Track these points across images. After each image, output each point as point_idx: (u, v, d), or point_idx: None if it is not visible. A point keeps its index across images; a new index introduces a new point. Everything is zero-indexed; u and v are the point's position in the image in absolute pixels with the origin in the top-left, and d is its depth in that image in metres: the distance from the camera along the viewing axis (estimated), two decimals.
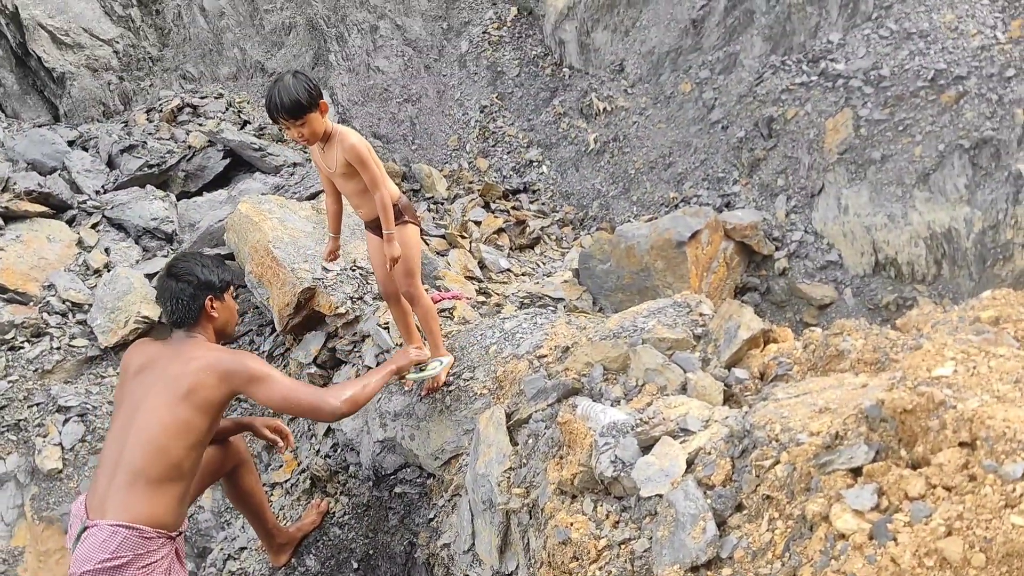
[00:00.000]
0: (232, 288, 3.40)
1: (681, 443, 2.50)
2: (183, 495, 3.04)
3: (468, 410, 3.87)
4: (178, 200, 7.26)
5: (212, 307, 3.25)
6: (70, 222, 6.68)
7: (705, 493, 2.22)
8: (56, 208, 6.72)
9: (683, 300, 3.67)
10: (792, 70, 6.91)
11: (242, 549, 4.37)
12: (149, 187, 7.31)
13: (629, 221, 7.22)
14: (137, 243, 6.65)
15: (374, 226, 3.80)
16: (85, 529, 2.88)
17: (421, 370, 3.92)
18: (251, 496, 3.85)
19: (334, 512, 4.31)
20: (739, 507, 2.15)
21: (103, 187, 7.39)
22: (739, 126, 7.08)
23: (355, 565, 4.08)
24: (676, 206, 7.08)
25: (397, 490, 4.18)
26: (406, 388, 4.25)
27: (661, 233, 5.90)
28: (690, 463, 2.39)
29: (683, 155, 7.45)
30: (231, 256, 6.12)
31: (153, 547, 2.88)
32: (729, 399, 2.90)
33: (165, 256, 6.38)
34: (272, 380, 3.12)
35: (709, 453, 2.34)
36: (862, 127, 6.27)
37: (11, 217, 6.35)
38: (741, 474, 2.20)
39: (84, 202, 6.91)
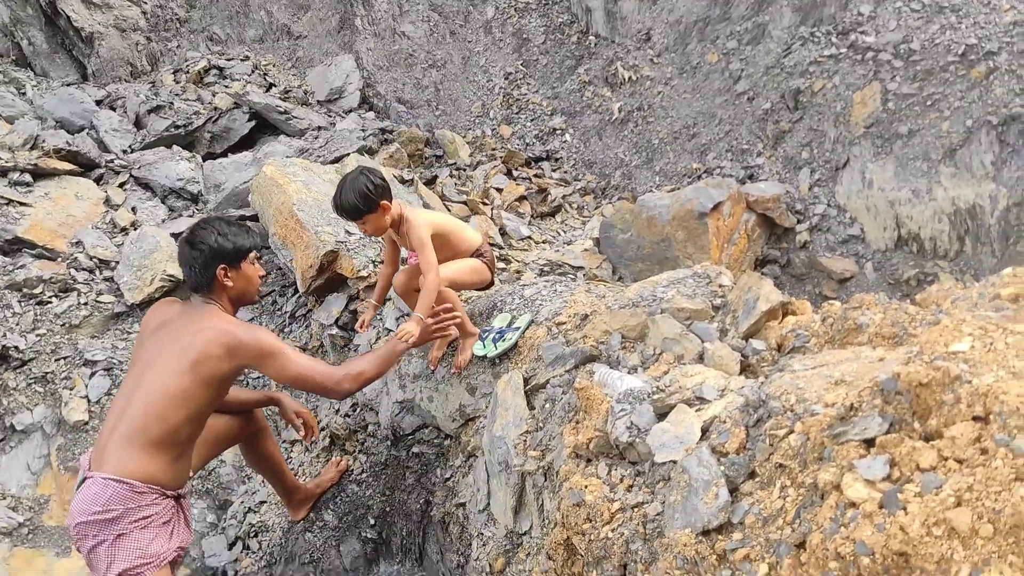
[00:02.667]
0: (253, 254, 3.27)
1: (696, 411, 2.54)
2: (179, 457, 3.02)
3: (486, 374, 3.92)
4: (203, 161, 7.32)
5: (226, 276, 3.16)
6: (98, 180, 6.75)
7: (719, 460, 2.26)
8: (84, 166, 6.79)
9: (703, 271, 3.68)
10: (821, 42, 6.82)
11: (262, 503, 4.47)
12: (175, 147, 7.37)
13: (651, 191, 7.20)
14: (163, 203, 6.73)
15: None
16: (84, 480, 2.93)
17: (485, 342, 3.85)
18: (269, 459, 3.93)
19: (352, 470, 4.39)
20: (752, 475, 2.19)
21: (130, 147, 7.47)
22: (765, 98, 7.01)
23: (372, 521, 4.17)
24: (699, 177, 7.05)
25: (415, 450, 4.25)
26: (431, 369, 4.25)
27: (683, 204, 5.89)
28: (705, 431, 2.43)
29: (707, 126, 7.40)
30: (255, 218, 6.18)
31: (145, 502, 2.88)
32: (745, 369, 2.92)
33: (191, 216, 6.45)
34: (284, 356, 3.06)
35: (724, 422, 2.38)
36: (890, 101, 6.20)
37: (40, 174, 6.43)
38: (755, 443, 2.23)
39: (111, 161, 6.98)
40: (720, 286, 3.51)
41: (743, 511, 2.09)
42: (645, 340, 3.27)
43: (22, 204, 6.02)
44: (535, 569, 2.89)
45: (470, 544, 3.57)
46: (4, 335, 5.03)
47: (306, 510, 4.22)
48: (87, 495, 2.87)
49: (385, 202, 3.56)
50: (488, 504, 3.47)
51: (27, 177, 6.29)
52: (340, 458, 4.47)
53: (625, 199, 7.41)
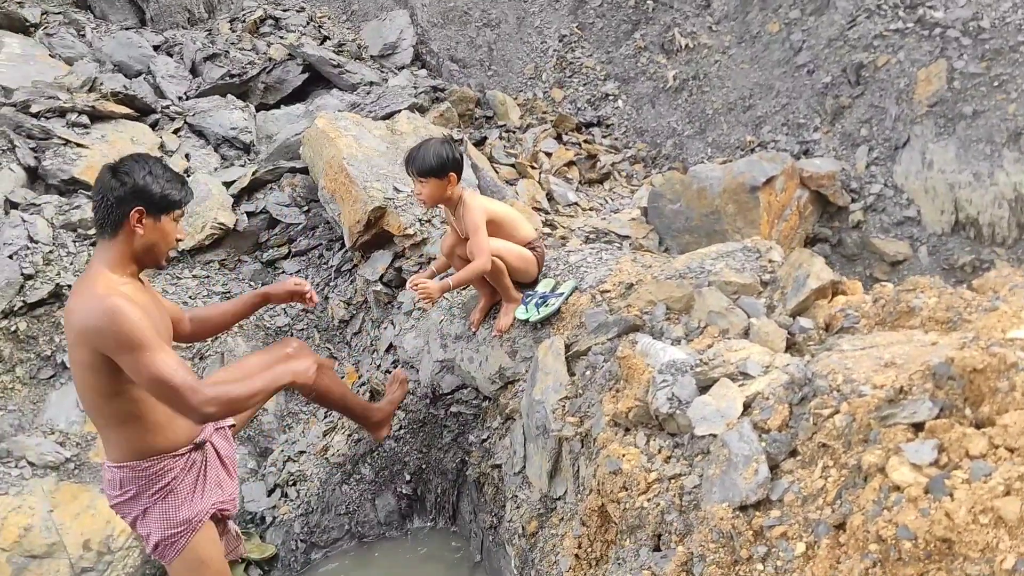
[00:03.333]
0: (178, 212, 2.79)
1: (740, 386, 2.51)
2: (146, 427, 2.76)
3: (527, 338, 3.93)
4: (256, 112, 7.36)
5: (139, 222, 2.67)
6: (153, 126, 6.83)
7: (760, 436, 2.24)
8: (140, 111, 6.86)
9: (753, 245, 3.63)
10: (888, 15, 6.62)
11: (301, 452, 4.55)
12: (229, 96, 7.42)
13: (702, 162, 7.09)
14: (216, 151, 6.79)
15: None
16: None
17: (528, 306, 3.91)
18: (330, 393, 3.62)
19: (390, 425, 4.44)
20: (793, 453, 2.17)
21: (186, 93, 7.54)
22: (826, 71, 6.84)
23: (407, 477, 4.23)
24: (752, 150, 6.92)
25: (453, 409, 4.29)
26: (472, 331, 4.27)
27: (735, 176, 5.79)
28: (747, 406, 2.41)
29: (764, 98, 7.25)
30: (305, 170, 6.22)
31: (153, 473, 2.81)
32: (791, 347, 2.88)
33: (243, 165, 6.50)
34: (147, 351, 2.53)
35: (767, 398, 2.35)
36: (956, 80, 6.01)
37: (97, 117, 6.52)
38: (798, 421, 2.21)
39: (167, 107, 7.05)
40: (770, 261, 3.46)
41: (783, 488, 2.07)
42: (690, 312, 3.25)
43: (79, 145, 6.11)
44: (568, 534, 2.91)
45: (504, 505, 3.61)
46: (58, 274, 5.14)
47: (387, 428, 4.07)
48: (105, 480, 2.91)
49: (453, 174, 3.69)
50: (524, 467, 3.49)
51: (84, 119, 6.38)
52: (398, 370, 4.44)
53: (675, 169, 7.31)
